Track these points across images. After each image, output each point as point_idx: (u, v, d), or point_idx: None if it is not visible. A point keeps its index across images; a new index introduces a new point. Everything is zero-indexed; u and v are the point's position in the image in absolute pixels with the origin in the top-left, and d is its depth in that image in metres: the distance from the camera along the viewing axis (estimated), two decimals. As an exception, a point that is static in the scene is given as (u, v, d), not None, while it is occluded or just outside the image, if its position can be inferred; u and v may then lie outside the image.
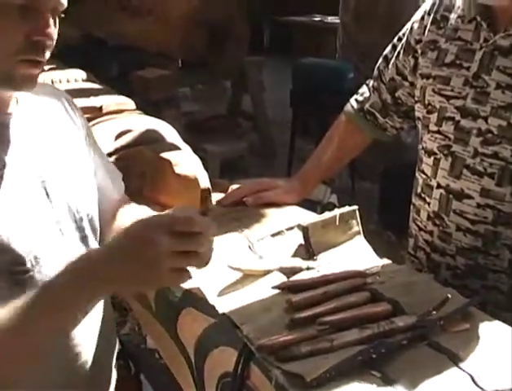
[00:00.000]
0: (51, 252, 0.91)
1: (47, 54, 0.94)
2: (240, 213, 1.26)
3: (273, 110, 4.98)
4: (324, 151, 1.41)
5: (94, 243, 1.01)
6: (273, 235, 1.13)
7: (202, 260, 0.66)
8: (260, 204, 1.30)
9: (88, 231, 1.00)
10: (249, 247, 1.09)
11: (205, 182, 1.42)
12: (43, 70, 0.97)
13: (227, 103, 4.99)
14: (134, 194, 1.56)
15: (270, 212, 1.27)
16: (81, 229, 0.99)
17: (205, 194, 1.41)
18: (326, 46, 5.40)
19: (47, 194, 0.96)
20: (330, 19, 6.31)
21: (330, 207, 2.60)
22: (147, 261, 0.65)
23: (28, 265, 0.88)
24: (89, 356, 0.97)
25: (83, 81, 2.97)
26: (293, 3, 7.90)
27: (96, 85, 3.00)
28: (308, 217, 1.21)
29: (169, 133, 1.88)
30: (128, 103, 2.40)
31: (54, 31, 0.93)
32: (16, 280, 0.86)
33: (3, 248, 0.85)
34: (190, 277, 0.65)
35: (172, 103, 3.60)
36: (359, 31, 4.09)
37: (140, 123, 1.89)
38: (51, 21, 0.92)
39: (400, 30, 1.33)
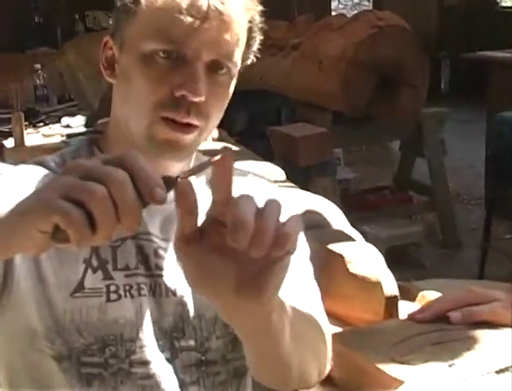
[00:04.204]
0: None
1: (196, 118, 1.04)
2: (444, 335, 1.27)
3: (458, 181, 4.95)
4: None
5: None
6: (498, 372, 1.13)
7: (98, 208, 0.69)
8: (470, 323, 1.31)
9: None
10: (464, 385, 1.10)
11: (390, 287, 1.46)
12: (197, 142, 1.08)
13: (395, 171, 5.02)
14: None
15: (486, 335, 1.27)
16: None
17: (392, 303, 1.45)
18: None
19: None
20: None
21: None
22: (38, 190, 0.75)
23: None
24: None
25: (214, 140, 3.17)
26: (486, 34, 7.88)
27: (231, 146, 3.19)
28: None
29: (336, 216, 1.95)
30: (276, 172, 2.53)
31: (204, 88, 1.02)
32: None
33: None
34: (80, 216, 0.69)
35: (326, 169, 3.69)
36: None
37: (300, 202, 1.97)
38: (202, 75, 1.03)
39: None
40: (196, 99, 1.02)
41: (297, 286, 1.06)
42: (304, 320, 1.03)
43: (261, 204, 0.90)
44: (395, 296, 1.45)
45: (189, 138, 1.05)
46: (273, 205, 0.76)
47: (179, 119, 1.03)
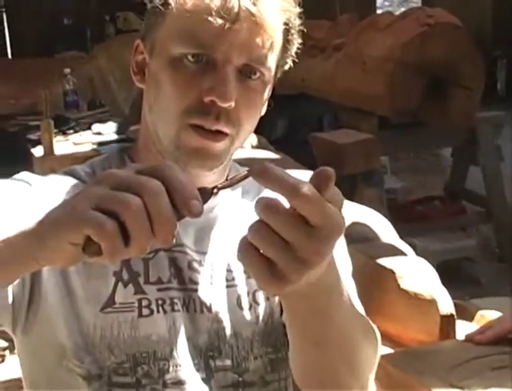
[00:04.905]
0: None
1: (226, 125, 1.03)
2: (507, 358, 1.26)
3: (516, 191, 4.88)
4: None
5: None
6: None
7: (132, 219, 0.69)
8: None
9: None
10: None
11: (446, 304, 1.45)
12: (228, 151, 1.07)
13: (446, 180, 4.98)
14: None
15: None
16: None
17: (448, 322, 1.43)
18: None
19: (238, 300, 1.14)
20: None
21: None
22: (68, 201, 0.75)
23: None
24: None
25: (253, 147, 3.18)
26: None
27: (271, 154, 3.20)
28: None
29: (385, 228, 1.94)
30: (320, 181, 2.52)
31: (234, 93, 1.01)
32: None
33: None
34: (114, 228, 0.69)
35: (372, 178, 3.68)
36: None
37: (346, 213, 1.97)
38: (232, 80, 1.02)
39: None
40: (226, 105, 1.01)
41: None
42: (359, 321, 1.04)
43: None
44: (452, 315, 1.43)
45: (219, 146, 1.05)
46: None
47: (208, 126, 1.03)
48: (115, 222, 0.69)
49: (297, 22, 1.09)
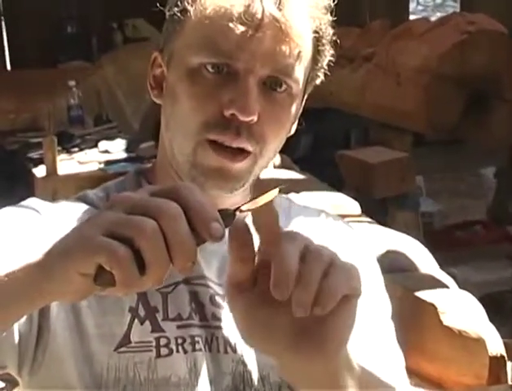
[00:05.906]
0: None
1: (248, 141, 1.02)
2: None
3: None
4: None
5: None
6: None
7: (148, 244, 0.69)
8: None
9: None
10: None
11: (495, 344, 1.43)
12: (250, 171, 1.05)
13: (489, 203, 4.96)
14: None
15: None
16: None
17: (498, 364, 1.42)
18: None
19: None
20: None
21: None
22: (77, 228, 0.74)
23: None
24: None
25: (276, 167, 3.18)
26: None
27: (295, 174, 3.20)
28: None
29: (424, 257, 1.93)
30: (350, 205, 2.52)
31: (256, 106, 1.00)
32: None
33: None
34: (127, 255, 0.68)
35: (407, 201, 3.67)
36: None
37: (379, 241, 1.96)
38: (254, 91, 1.01)
39: None
40: (247, 119, 1.00)
41: (374, 353, 1.02)
42: None
43: (334, 250, 0.87)
44: (502, 357, 1.42)
45: (239, 166, 1.03)
46: (316, 256, 0.76)
47: (228, 142, 1.02)
48: (129, 249, 0.68)
49: (329, 31, 1.07)
